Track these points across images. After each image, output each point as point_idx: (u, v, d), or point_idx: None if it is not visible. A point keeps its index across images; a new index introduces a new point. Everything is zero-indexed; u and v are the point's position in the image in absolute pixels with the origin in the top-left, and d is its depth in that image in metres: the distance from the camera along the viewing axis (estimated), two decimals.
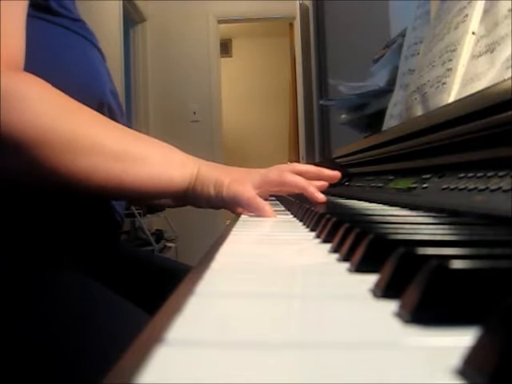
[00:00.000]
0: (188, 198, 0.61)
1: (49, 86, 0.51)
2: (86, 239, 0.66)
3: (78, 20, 0.65)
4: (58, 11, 0.61)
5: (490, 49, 0.59)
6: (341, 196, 1.00)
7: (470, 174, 0.51)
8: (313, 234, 0.43)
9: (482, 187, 0.46)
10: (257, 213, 0.59)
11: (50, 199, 0.59)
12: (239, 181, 0.61)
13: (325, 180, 0.72)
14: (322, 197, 0.67)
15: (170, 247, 3.43)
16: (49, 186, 0.53)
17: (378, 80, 1.20)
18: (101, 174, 0.52)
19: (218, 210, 0.70)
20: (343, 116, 1.50)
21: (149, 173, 0.56)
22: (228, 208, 0.63)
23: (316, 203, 0.66)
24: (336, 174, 0.72)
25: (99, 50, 0.69)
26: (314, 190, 0.67)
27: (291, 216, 0.63)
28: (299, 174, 0.68)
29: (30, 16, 0.53)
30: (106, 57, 0.72)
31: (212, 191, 0.60)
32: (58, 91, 0.51)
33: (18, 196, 0.57)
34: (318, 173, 0.72)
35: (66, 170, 0.50)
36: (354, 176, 1.10)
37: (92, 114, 0.54)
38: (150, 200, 0.85)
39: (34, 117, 0.48)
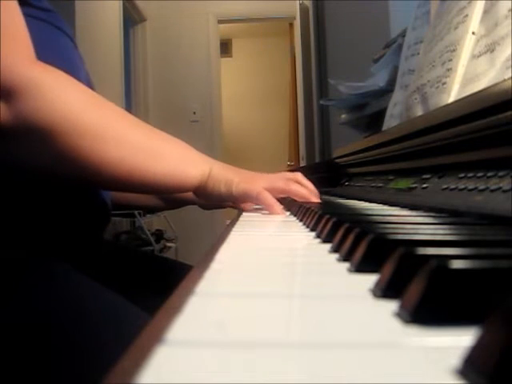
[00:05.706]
0: (199, 194, 0.64)
1: (74, 79, 0.52)
2: (75, 230, 0.66)
3: (48, 10, 0.65)
4: (31, 3, 0.61)
5: (490, 49, 0.59)
6: (341, 196, 1.00)
7: (470, 174, 0.51)
8: (313, 233, 0.43)
9: (482, 187, 0.46)
10: (266, 207, 0.63)
11: (39, 189, 0.60)
12: (248, 180, 0.65)
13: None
14: None
15: (170, 247, 3.42)
16: (73, 177, 0.55)
17: (378, 80, 1.20)
18: (127, 166, 0.54)
19: (217, 211, 0.74)
20: (343, 116, 1.50)
21: (167, 168, 0.59)
22: (237, 205, 0.67)
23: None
24: None
25: (71, 38, 0.70)
26: (316, 200, 0.71)
27: (291, 216, 0.63)
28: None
29: None
30: (77, 43, 0.73)
31: (223, 189, 0.63)
32: (83, 85, 0.53)
33: (10, 186, 0.57)
34: (316, 193, 0.75)
35: (98, 159, 0.52)
36: (354, 176, 1.10)
37: (117, 108, 0.57)
38: (163, 194, 0.87)
39: (63, 106, 0.49)
